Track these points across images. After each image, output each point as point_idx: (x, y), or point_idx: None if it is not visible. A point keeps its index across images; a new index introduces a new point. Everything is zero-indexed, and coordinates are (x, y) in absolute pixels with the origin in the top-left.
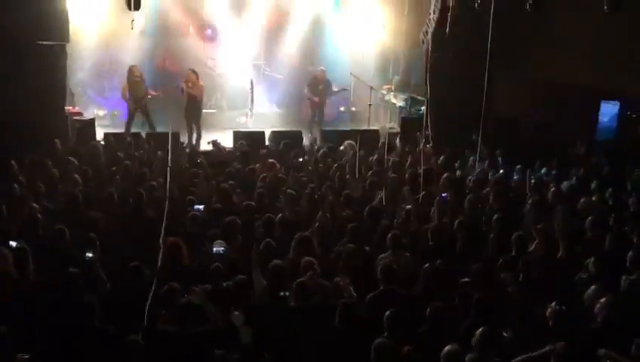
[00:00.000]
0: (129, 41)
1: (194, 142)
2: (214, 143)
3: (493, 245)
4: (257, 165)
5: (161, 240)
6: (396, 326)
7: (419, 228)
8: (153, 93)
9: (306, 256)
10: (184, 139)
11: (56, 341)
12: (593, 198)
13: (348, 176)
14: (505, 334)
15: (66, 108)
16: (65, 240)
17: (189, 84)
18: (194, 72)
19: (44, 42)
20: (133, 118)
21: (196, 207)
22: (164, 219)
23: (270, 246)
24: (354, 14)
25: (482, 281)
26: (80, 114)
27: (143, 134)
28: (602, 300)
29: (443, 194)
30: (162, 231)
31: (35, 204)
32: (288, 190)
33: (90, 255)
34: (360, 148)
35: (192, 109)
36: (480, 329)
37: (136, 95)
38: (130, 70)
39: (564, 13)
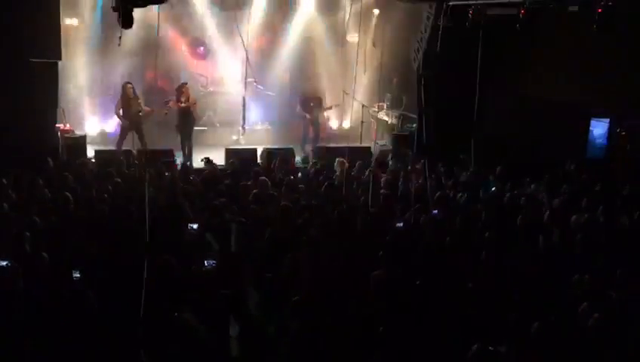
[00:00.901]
0: (121, 58)
1: (186, 157)
2: (207, 161)
3: (485, 262)
4: (249, 182)
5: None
6: (389, 342)
7: (410, 245)
8: (147, 108)
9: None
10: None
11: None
12: (585, 216)
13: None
14: (499, 350)
15: (57, 125)
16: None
17: (184, 99)
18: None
19: (36, 60)
20: (125, 135)
21: (190, 225)
22: (147, 236)
23: (263, 261)
24: (346, 32)
25: (476, 297)
26: (71, 131)
27: (135, 151)
28: (595, 315)
29: (434, 212)
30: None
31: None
32: (281, 205)
33: (77, 275)
34: (352, 165)
35: (185, 124)
36: (475, 346)
37: (130, 112)
38: (125, 87)
39: (554, 32)
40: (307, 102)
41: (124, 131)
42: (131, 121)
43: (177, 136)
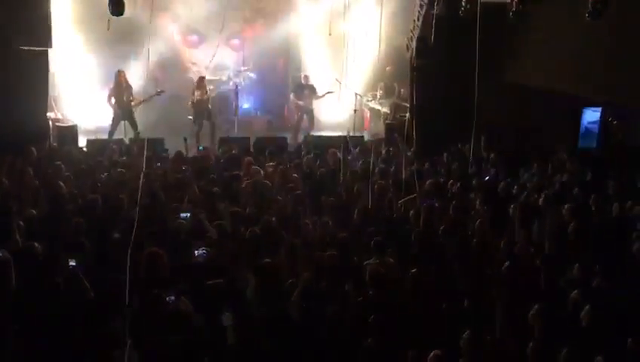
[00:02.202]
0: (113, 46)
1: (210, 138)
2: (204, 149)
3: (477, 250)
4: (242, 172)
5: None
6: (381, 330)
7: (405, 234)
8: (140, 99)
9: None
10: (168, 145)
11: (38, 350)
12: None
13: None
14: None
15: (48, 114)
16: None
17: (201, 91)
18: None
19: (27, 47)
20: (117, 124)
21: (182, 214)
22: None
23: (259, 248)
24: (339, 21)
25: (469, 286)
26: (62, 120)
27: (127, 140)
28: (587, 308)
29: (430, 201)
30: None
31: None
32: (277, 196)
33: (73, 263)
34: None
35: (203, 112)
36: (466, 333)
37: (122, 101)
38: (117, 75)
39: (547, 20)
40: (300, 90)
41: (115, 120)
42: (123, 109)
43: (195, 126)
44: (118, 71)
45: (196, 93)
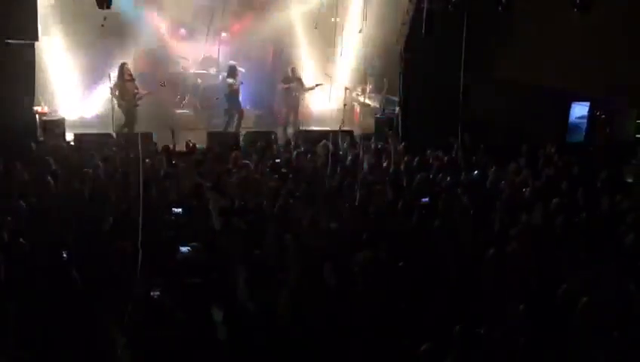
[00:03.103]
0: (100, 40)
1: (235, 125)
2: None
3: (466, 244)
4: (230, 165)
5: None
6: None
7: (395, 228)
8: (144, 92)
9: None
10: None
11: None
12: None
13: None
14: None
15: (35, 108)
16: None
17: (234, 80)
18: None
19: (13, 41)
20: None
21: (174, 209)
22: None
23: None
24: (329, 14)
25: (458, 279)
26: (50, 114)
27: (114, 134)
28: (583, 300)
29: (423, 199)
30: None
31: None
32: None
33: (65, 255)
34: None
35: (236, 101)
36: (457, 327)
37: (127, 94)
38: (122, 69)
39: (536, 15)
40: (288, 83)
41: (124, 111)
42: (128, 103)
43: (225, 116)
44: (124, 64)
45: (229, 82)
